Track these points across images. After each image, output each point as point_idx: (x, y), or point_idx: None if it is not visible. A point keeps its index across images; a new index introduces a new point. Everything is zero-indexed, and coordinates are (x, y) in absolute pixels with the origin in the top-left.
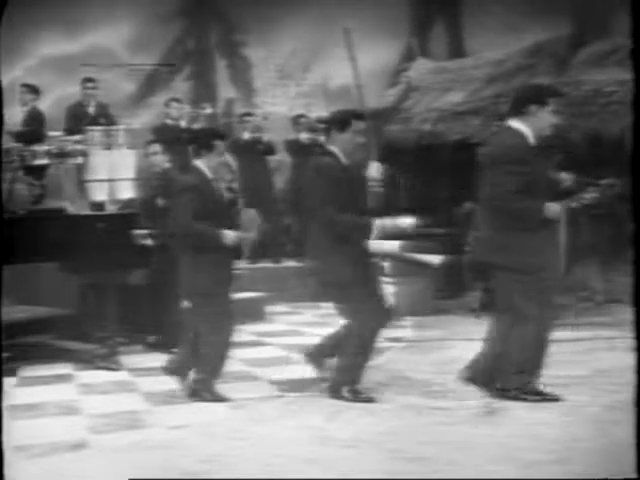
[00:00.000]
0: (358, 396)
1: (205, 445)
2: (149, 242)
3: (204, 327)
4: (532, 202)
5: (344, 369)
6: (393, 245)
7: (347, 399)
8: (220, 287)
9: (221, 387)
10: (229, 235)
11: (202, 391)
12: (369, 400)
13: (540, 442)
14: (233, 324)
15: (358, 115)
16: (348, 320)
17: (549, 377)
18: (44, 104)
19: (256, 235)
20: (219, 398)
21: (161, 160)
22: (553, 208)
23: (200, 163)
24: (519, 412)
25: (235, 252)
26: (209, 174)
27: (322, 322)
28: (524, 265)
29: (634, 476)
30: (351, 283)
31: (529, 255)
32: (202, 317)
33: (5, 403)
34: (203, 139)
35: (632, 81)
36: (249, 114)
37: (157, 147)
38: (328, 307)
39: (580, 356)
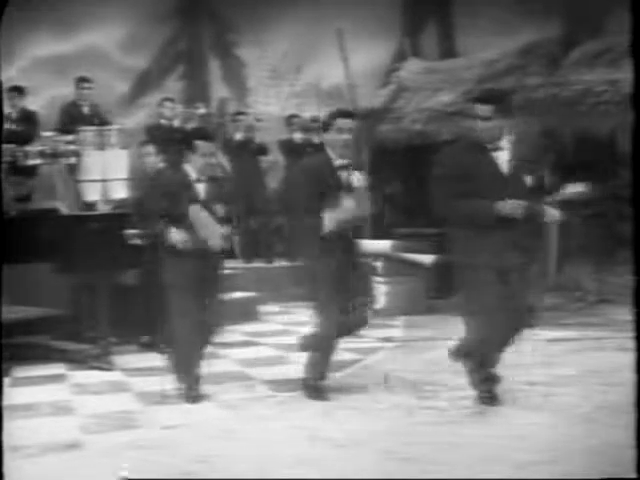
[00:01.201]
0: (319, 393)
1: (198, 445)
2: (141, 242)
3: (174, 325)
4: (481, 202)
5: (311, 365)
6: (385, 245)
7: (309, 395)
8: (186, 283)
9: (214, 387)
10: (177, 236)
11: (184, 392)
12: (324, 399)
13: (531, 442)
14: (205, 325)
15: (343, 114)
16: (317, 315)
17: (541, 376)
18: (38, 104)
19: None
20: (199, 399)
21: (154, 161)
22: (508, 205)
23: (187, 164)
24: (510, 412)
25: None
26: (193, 174)
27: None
28: (481, 263)
29: (632, 476)
30: (322, 278)
31: (486, 254)
32: (174, 313)
33: (4, 403)
34: (185, 139)
35: (632, 80)
36: (242, 113)
37: (150, 148)
38: None
39: (571, 356)
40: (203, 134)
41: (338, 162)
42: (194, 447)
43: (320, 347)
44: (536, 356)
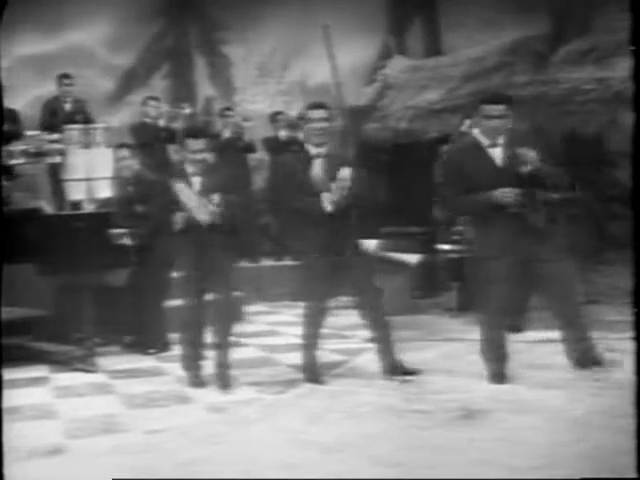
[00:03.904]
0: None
1: (183, 449)
2: (127, 242)
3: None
4: (478, 194)
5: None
6: (370, 244)
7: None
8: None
9: (200, 390)
10: (179, 216)
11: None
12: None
13: (521, 446)
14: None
15: (315, 105)
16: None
17: (530, 379)
18: (21, 103)
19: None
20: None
21: (130, 164)
22: (500, 193)
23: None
24: (499, 415)
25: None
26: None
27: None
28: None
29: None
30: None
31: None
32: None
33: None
34: (174, 138)
35: (632, 79)
36: (229, 109)
37: (125, 152)
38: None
39: (560, 358)
40: (194, 132)
41: (314, 152)
42: (179, 451)
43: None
44: (523, 358)
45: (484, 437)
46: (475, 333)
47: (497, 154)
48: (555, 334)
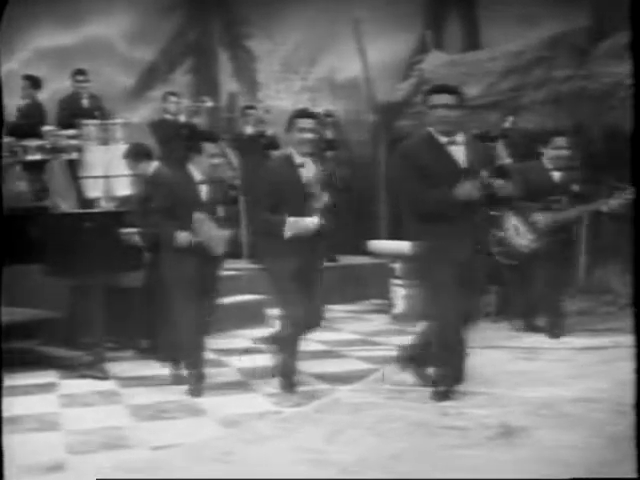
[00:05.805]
0: (291, 388)
1: (192, 468)
2: (142, 242)
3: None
4: (441, 190)
5: (278, 361)
6: (404, 245)
7: (284, 390)
8: (180, 282)
9: (213, 400)
10: (182, 236)
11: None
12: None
13: (563, 467)
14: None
15: (304, 114)
16: (283, 312)
17: (572, 390)
18: (40, 97)
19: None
20: (197, 392)
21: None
22: (462, 189)
23: (191, 165)
24: (540, 433)
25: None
26: (197, 176)
27: (325, 326)
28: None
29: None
30: (281, 276)
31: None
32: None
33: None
34: (190, 142)
35: (632, 79)
36: (251, 107)
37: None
38: (333, 310)
39: (603, 366)
40: (209, 135)
41: (299, 160)
42: (188, 470)
43: (286, 346)
44: (565, 367)
45: (524, 457)
46: (516, 340)
47: (456, 153)
48: (600, 341)
